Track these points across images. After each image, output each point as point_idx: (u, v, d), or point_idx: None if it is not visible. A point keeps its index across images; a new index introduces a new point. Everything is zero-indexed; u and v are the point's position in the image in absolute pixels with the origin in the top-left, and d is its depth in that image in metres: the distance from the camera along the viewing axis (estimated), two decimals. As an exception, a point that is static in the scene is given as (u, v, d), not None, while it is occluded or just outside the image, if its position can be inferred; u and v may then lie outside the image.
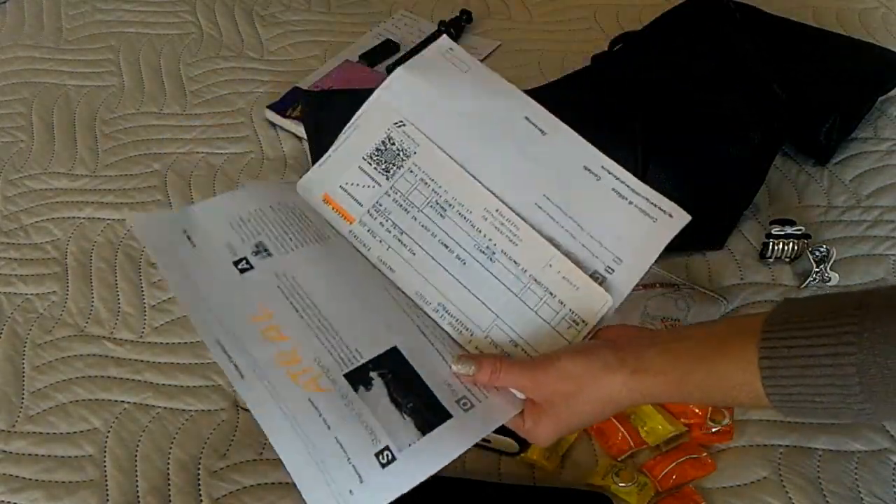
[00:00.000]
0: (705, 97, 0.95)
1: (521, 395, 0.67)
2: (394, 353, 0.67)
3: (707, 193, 0.91)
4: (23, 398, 0.84)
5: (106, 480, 0.78)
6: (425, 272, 0.72)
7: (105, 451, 0.80)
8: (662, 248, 0.71)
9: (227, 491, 0.76)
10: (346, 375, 0.65)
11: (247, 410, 0.82)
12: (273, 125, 1.12)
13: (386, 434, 0.62)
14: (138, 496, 0.77)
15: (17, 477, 0.78)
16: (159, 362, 0.87)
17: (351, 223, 0.74)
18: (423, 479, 0.60)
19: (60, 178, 1.06)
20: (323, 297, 0.69)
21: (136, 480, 0.78)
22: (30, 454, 0.80)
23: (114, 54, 1.24)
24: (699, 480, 0.75)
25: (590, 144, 0.75)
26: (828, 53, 1.07)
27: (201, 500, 0.76)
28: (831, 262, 0.91)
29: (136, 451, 0.80)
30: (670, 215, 0.73)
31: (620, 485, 0.74)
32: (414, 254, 0.73)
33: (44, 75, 1.21)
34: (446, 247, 0.72)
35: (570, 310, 0.69)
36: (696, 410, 0.78)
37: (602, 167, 0.74)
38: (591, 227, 0.73)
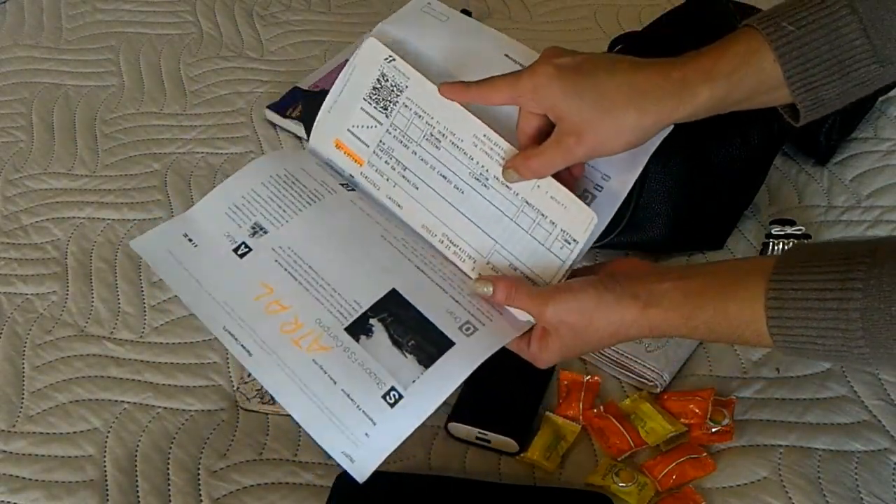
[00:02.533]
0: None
1: (525, 318, 0.68)
2: (392, 294, 0.69)
3: (707, 193, 0.91)
4: (23, 398, 0.84)
5: (106, 480, 0.78)
6: (429, 205, 0.73)
7: (105, 451, 0.80)
8: (647, 159, 0.73)
9: (227, 491, 0.76)
10: (346, 329, 0.67)
11: (247, 410, 0.82)
12: (273, 125, 1.12)
13: (389, 375, 0.65)
14: (138, 496, 0.77)
15: (17, 477, 0.78)
16: (159, 362, 0.87)
17: (361, 165, 0.75)
18: (434, 409, 0.63)
19: (60, 178, 1.06)
20: (319, 259, 0.71)
21: (136, 480, 0.78)
22: (30, 454, 0.80)
23: (114, 54, 1.24)
24: (699, 480, 0.75)
25: None
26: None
27: (201, 500, 0.76)
28: (831, 262, 0.91)
29: (136, 451, 0.80)
30: None
31: (620, 485, 0.74)
32: (417, 188, 0.73)
33: (44, 75, 1.21)
34: (444, 178, 0.72)
35: (562, 229, 0.69)
36: (696, 410, 0.78)
37: None
38: None
